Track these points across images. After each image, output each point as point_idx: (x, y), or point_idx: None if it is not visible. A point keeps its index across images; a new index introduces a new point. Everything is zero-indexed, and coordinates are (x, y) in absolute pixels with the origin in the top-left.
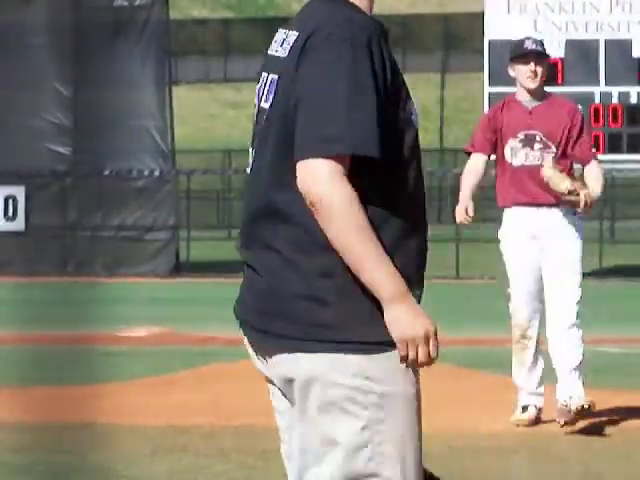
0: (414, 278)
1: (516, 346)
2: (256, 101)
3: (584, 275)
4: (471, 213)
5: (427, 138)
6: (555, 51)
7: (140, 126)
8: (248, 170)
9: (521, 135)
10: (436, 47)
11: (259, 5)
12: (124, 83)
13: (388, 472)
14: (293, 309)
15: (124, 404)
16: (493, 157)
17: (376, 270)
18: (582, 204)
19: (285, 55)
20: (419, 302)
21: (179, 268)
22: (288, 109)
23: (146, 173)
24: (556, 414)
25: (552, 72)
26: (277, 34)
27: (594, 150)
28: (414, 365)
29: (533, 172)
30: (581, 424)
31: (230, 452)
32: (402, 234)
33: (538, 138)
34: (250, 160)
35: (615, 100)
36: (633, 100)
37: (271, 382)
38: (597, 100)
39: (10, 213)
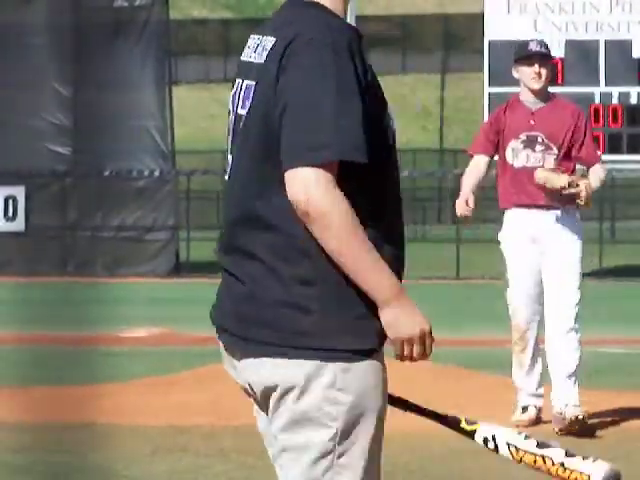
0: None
1: (515, 347)
2: (231, 107)
3: (584, 275)
4: (471, 205)
5: (427, 138)
6: (555, 51)
7: (140, 126)
8: (226, 177)
9: (523, 136)
10: (436, 47)
11: (259, 5)
12: (124, 83)
13: None
14: (272, 316)
15: (124, 404)
16: (496, 157)
17: (371, 274)
18: (583, 193)
19: (261, 61)
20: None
21: (179, 268)
22: (268, 116)
23: (146, 173)
24: (552, 420)
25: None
26: (250, 40)
27: (599, 153)
28: (408, 361)
29: (534, 174)
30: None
31: (230, 452)
32: (383, 235)
33: (540, 139)
34: (228, 167)
35: (615, 100)
36: (633, 100)
37: (243, 388)
38: (597, 100)
39: (10, 213)
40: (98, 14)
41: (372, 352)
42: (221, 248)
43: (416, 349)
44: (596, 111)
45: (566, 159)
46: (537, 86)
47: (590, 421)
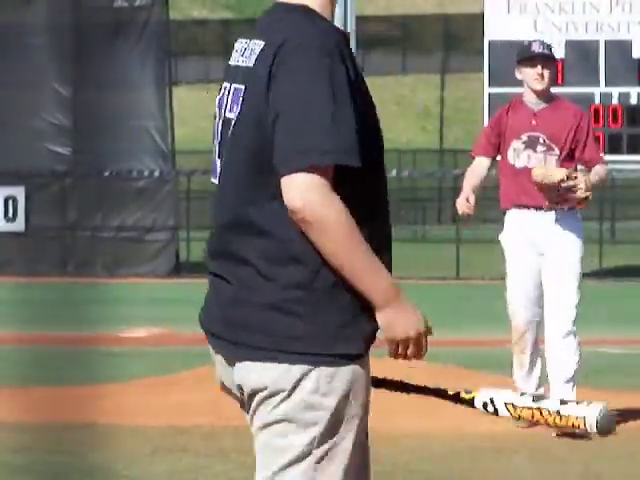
0: None
1: (515, 348)
2: (218, 111)
3: (584, 276)
4: (472, 202)
5: (427, 139)
6: (555, 52)
7: (140, 126)
8: (215, 181)
9: (524, 137)
10: (436, 48)
11: (259, 5)
12: (124, 83)
13: None
14: (262, 320)
15: (124, 404)
16: (498, 158)
17: (368, 276)
18: (581, 185)
19: (250, 64)
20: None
21: (179, 269)
22: (261, 122)
23: (146, 174)
24: None
25: None
26: (237, 44)
27: (601, 154)
28: (402, 359)
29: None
30: None
31: (230, 452)
32: (376, 237)
33: (541, 140)
34: (216, 170)
35: (615, 101)
36: (633, 101)
37: (229, 391)
38: (597, 101)
39: (10, 214)
40: (98, 14)
41: (358, 357)
42: (210, 253)
43: (411, 349)
44: (596, 111)
45: (568, 160)
46: (540, 87)
47: None
